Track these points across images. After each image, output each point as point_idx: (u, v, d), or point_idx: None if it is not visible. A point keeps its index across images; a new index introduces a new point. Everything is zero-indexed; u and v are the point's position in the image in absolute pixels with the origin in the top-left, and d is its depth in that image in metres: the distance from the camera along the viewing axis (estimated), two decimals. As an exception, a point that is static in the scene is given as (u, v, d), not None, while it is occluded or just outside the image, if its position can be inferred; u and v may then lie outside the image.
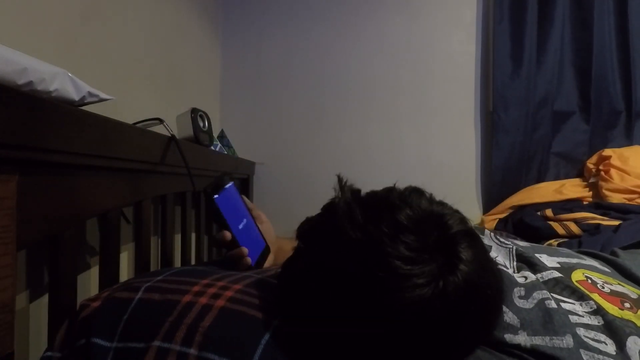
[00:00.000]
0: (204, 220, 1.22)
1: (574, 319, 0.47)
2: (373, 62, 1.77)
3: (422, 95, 1.74)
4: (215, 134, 1.57)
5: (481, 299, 0.40)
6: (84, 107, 0.60)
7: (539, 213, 1.39)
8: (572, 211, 1.33)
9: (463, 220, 0.44)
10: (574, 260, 0.62)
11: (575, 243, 1.10)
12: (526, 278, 0.55)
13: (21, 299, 0.66)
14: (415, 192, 0.44)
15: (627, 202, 1.37)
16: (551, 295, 0.51)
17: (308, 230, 0.47)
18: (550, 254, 0.63)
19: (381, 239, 0.39)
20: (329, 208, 0.46)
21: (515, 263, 0.60)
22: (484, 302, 0.41)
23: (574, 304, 0.51)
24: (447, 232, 0.41)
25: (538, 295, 0.50)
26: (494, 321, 0.45)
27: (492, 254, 0.62)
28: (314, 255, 0.44)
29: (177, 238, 1.07)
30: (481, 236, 0.70)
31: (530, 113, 1.64)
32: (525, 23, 1.62)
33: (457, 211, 0.45)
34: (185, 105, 1.22)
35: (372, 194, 0.46)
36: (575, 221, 1.25)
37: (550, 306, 0.48)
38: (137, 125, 0.84)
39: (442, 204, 0.45)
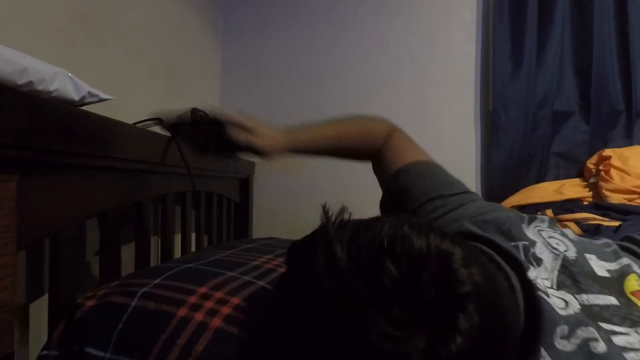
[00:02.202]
0: (204, 220, 1.22)
1: (630, 356, 0.41)
2: (373, 62, 1.77)
3: (422, 95, 1.74)
4: (215, 134, 1.56)
5: None
6: (84, 107, 0.60)
7: (539, 213, 1.39)
8: (572, 211, 1.33)
9: (469, 263, 0.36)
10: (625, 261, 0.53)
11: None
12: (566, 303, 0.47)
13: (21, 299, 0.66)
14: (411, 229, 0.37)
15: (627, 203, 1.37)
16: (599, 326, 0.44)
17: (294, 257, 0.43)
18: (600, 257, 0.54)
19: (366, 304, 0.34)
20: (312, 243, 0.40)
21: (557, 276, 0.51)
22: None
23: (628, 334, 0.43)
24: (447, 292, 0.34)
25: (582, 333, 0.42)
26: None
27: (536, 251, 0.53)
28: (298, 288, 0.40)
29: (177, 238, 1.07)
30: (525, 229, 0.56)
31: (530, 113, 1.63)
32: (525, 23, 1.62)
33: (461, 244, 0.38)
34: (185, 105, 1.22)
35: (360, 234, 0.38)
36: (576, 222, 1.25)
37: (595, 350, 0.41)
38: (137, 125, 0.84)
39: (442, 237, 0.37)
